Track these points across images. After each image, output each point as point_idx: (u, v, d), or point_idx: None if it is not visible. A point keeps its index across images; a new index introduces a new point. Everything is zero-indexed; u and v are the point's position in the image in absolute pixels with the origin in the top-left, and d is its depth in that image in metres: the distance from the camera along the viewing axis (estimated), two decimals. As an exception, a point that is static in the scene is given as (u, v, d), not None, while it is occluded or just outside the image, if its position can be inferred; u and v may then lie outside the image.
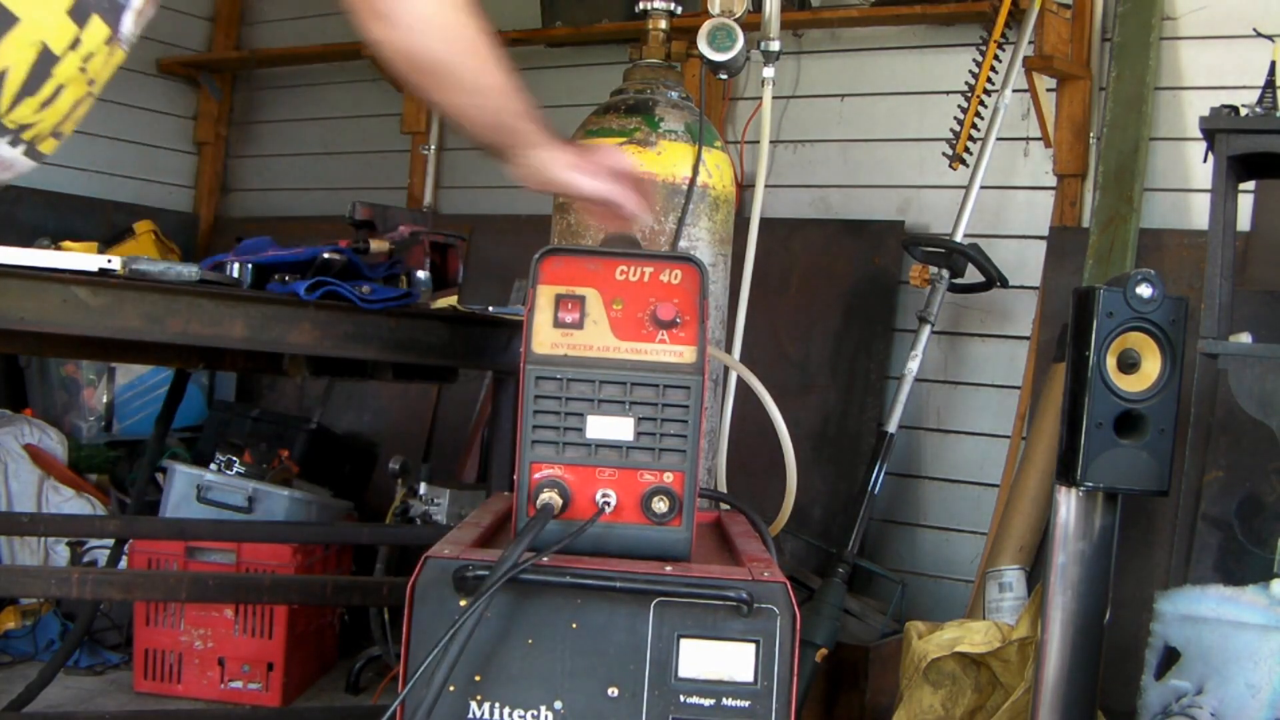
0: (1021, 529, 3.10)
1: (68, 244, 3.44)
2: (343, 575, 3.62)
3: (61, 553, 3.65)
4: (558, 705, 1.27)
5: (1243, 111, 2.48)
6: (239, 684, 3.32)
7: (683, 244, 2.27)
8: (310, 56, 4.83)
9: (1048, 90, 3.41)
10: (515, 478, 1.37)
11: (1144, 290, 2.19)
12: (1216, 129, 2.47)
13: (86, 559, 3.60)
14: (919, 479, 3.62)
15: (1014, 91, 3.29)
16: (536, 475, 1.36)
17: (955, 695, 2.61)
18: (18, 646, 3.52)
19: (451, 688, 1.25)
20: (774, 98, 2.55)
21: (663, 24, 2.48)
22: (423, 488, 3.44)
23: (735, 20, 2.35)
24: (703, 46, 2.35)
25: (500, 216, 4.39)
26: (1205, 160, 2.56)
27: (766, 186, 2.77)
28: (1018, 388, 3.43)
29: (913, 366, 3.23)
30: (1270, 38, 2.62)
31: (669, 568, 1.31)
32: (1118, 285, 2.20)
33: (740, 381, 2.31)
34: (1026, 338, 3.43)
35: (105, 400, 4.23)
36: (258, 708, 3.30)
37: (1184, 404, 2.30)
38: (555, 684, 1.27)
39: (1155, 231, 3.23)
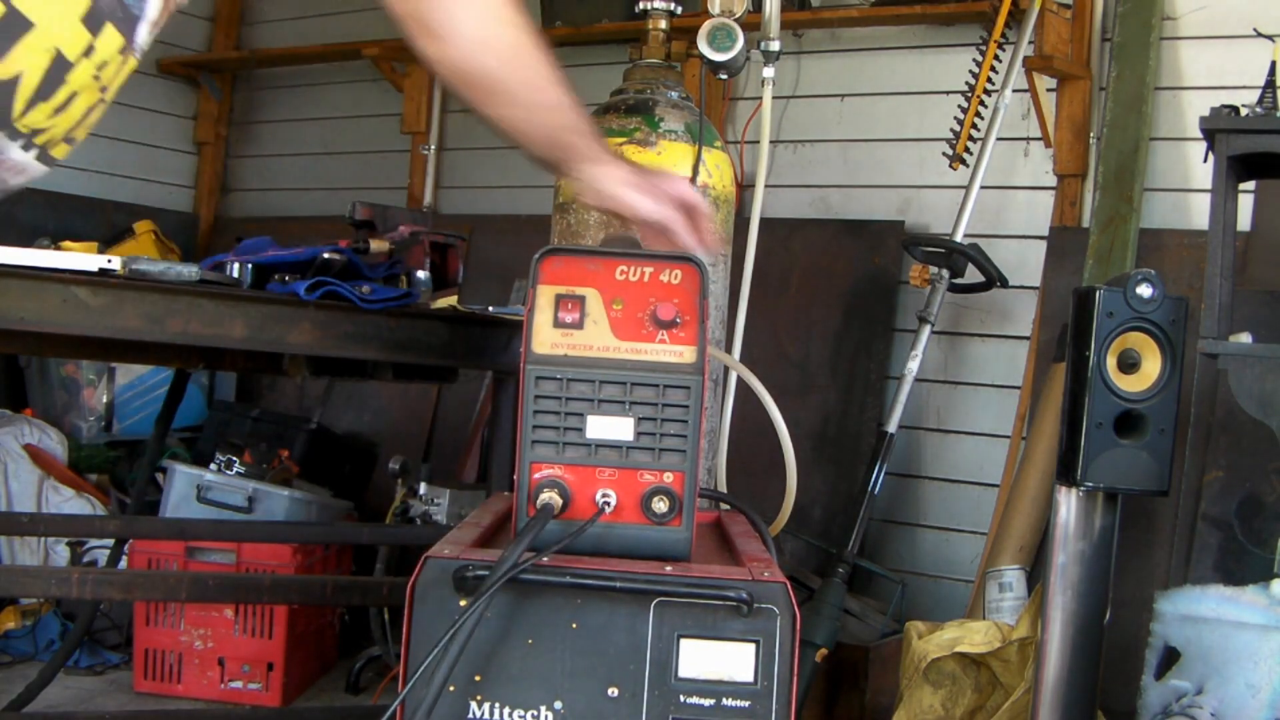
0: (1021, 529, 3.10)
1: (68, 244, 3.45)
2: (343, 575, 3.62)
3: (61, 553, 3.65)
4: (558, 705, 1.27)
5: (1243, 111, 2.48)
6: (239, 684, 3.32)
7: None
8: (310, 56, 4.83)
9: (1048, 90, 3.41)
10: (515, 478, 1.37)
11: (1144, 290, 2.19)
12: (1216, 129, 2.47)
13: (86, 559, 3.60)
14: (919, 479, 3.62)
15: (1014, 91, 3.29)
16: (536, 475, 1.36)
17: (955, 695, 2.61)
18: (18, 646, 3.52)
19: (451, 688, 1.25)
20: (774, 98, 2.55)
21: (663, 24, 2.48)
22: (423, 488, 3.44)
23: (735, 20, 2.35)
24: (703, 46, 2.35)
25: (500, 216, 4.39)
26: (1205, 160, 2.56)
27: (766, 186, 2.77)
28: (1018, 388, 3.43)
29: (913, 366, 3.23)
30: (1270, 38, 2.62)
31: (669, 568, 1.31)
32: (1118, 285, 2.20)
33: (740, 381, 2.31)
34: (1026, 338, 3.43)
35: (105, 400, 4.23)
36: (258, 708, 3.30)
37: (1184, 404, 2.30)
38: (555, 684, 1.27)
39: (1155, 231, 3.24)
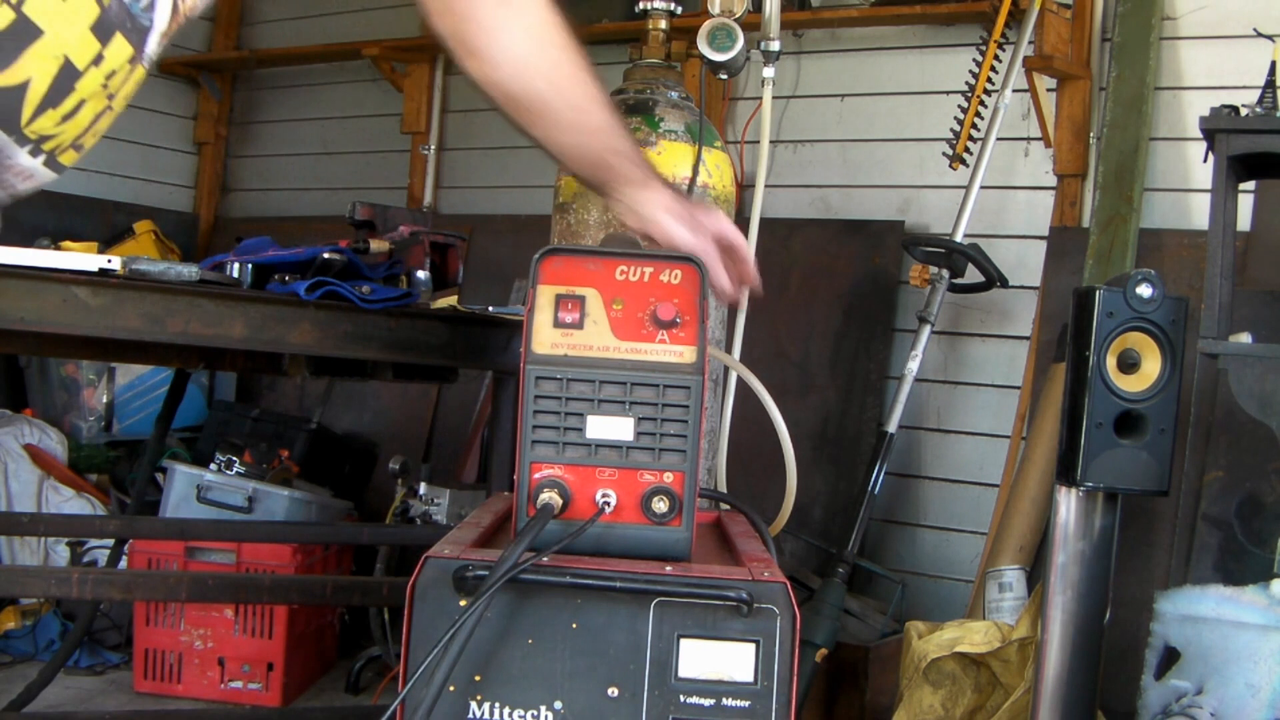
0: (1021, 529, 3.10)
1: (68, 244, 3.45)
2: (343, 575, 3.62)
3: (61, 553, 3.65)
4: (558, 705, 1.27)
5: (1243, 111, 2.48)
6: (239, 684, 3.32)
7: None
8: (310, 56, 4.83)
9: (1048, 90, 3.41)
10: (515, 478, 1.36)
11: (1144, 290, 2.19)
12: (1216, 129, 2.48)
13: (86, 559, 3.60)
14: (919, 479, 3.62)
15: (1014, 91, 3.29)
16: (536, 475, 1.36)
17: (955, 695, 2.61)
18: (18, 646, 3.52)
19: (451, 688, 1.25)
20: (774, 98, 2.55)
21: (663, 24, 2.48)
22: (423, 488, 3.44)
23: (735, 20, 2.35)
24: (703, 46, 2.35)
25: (500, 216, 4.39)
26: (1205, 160, 2.56)
27: (766, 186, 2.77)
28: (1018, 388, 3.43)
29: (913, 366, 3.23)
30: (1270, 38, 2.62)
31: (669, 568, 1.31)
32: (1118, 285, 2.20)
33: (740, 381, 2.31)
34: (1026, 338, 3.43)
35: (105, 400, 4.23)
36: (258, 708, 3.30)
37: (1184, 404, 2.30)
38: (555, 684, 1.27)
39: (1155, 231, 3.24)
